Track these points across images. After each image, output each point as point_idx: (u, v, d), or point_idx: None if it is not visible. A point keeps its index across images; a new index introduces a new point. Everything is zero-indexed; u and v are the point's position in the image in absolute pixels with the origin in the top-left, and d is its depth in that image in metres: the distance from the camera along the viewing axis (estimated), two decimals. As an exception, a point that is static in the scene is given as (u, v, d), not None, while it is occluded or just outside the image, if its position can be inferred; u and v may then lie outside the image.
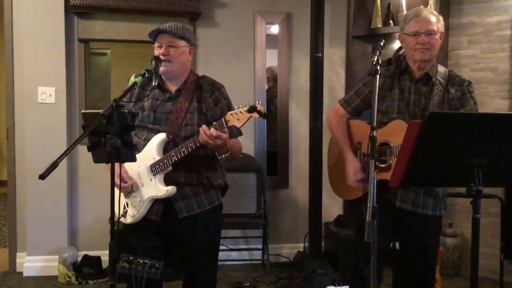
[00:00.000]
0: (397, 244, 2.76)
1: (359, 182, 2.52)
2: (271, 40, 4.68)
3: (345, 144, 2.66)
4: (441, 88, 2.49)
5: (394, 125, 2.47)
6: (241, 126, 2.14)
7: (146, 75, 2.26)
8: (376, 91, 2.07)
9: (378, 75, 2.09)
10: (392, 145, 2.45)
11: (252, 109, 2.08)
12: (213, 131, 2.17)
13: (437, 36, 2.48)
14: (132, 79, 2.26)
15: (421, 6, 4.30)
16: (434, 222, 2.54)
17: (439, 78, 2.50)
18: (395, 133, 2.41)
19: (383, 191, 2.40)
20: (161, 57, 2.35)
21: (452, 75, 2.56)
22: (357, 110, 2.71)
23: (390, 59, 4.34)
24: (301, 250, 4.60)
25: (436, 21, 2.49)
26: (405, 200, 2.46)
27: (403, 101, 2.53)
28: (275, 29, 4.73)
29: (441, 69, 2.55)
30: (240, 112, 2.10)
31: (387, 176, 2.39)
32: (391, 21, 4.42)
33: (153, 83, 2.28)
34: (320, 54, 4.23)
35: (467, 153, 1.78)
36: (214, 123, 2.19)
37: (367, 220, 1.82)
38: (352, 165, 2.57)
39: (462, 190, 2.58)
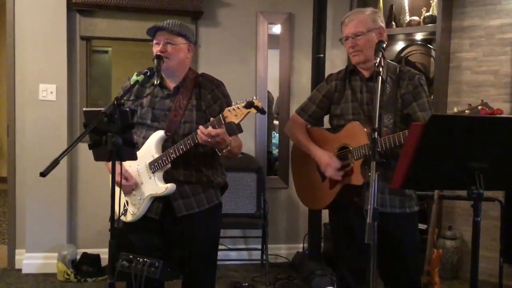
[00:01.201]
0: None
1: (340, 171, 2.46)
2: (273, 40, 4.68)
3: (310, 144, 2.59)
4: (393, 84, 2.46)
5: (349, 127, 2.44)
6: (239, 122, 2.13)
7: (148, 73, 2.26)
8: (378, 93, 2.06)
9: (380, 77, 2.08)
10: (351, 148, 2.42)
11: (249, 105, 2.06)
12: (210, 130, 2.16)
13: (367, 36, 2.42)
14: (134, 77, 2.25)
15: (424, 8, 4.32)
16: (406, 220, 2.49)
17: (390, 74, 2.46)
18: (352, 135, 2.41)
19: (351, 195, 2.40)
20: (161, 55, 2.35)
21: (403, 69, 2.52)
22: (314, 117, 2.67)
23: (392, 60, 4.33)
24: (300, 250, 4.60)
25: (362, 20, 2.45)
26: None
27: (357, 101, 2.50)
28: (277, 29, 4.73)
29: (391, 65, 2.52)
30: (238, 108, 2.10)
31: (350, 180, 2.40)
32: (393, 23, 4.43)
33: (155, 82, 2.28)
34: (322, 55, 4.23)
35: (468, 156, 1.78)
36: (212, 119, 2.19)
37: (368, 221, 1.81)
38: (327, 155, 2.49)
39: (461, 193, 2.58)
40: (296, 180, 2.79)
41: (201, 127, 2.20)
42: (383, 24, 2.50)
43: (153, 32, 2.42)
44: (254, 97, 2.09)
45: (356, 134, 2.39)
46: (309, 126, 2.68)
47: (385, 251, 2.47)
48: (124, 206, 2.47)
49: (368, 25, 2.45)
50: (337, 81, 2.59)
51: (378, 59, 2.15)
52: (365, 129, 2.38)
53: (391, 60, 2.64)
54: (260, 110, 2.07)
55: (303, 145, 2.63)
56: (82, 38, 4.33)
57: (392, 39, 4.35)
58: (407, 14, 4.43)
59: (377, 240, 2.49)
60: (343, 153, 2.48)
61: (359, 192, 2.35)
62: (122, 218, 2.44)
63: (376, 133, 1.96)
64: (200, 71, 2.69)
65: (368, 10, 2.52)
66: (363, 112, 2.47)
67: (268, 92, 4.89)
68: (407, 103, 2.44)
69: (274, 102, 5.14)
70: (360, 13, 2.51)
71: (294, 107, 4.66)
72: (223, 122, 2.14)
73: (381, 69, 2.12)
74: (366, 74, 2.51)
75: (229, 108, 2.12)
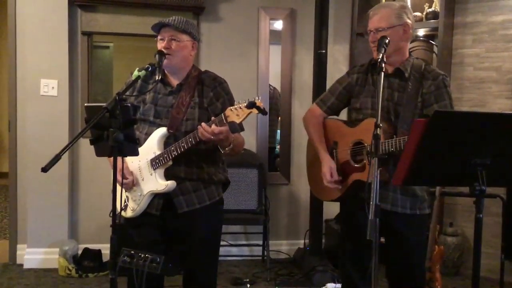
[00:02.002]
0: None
1: (336, 183, 2.49)
2: (275, 36, 4.67)
3: (320, 145, 2.60)
4: (416, 82, 2.40)
5: (366, 123, 2.40)
6: (240, 122, 2.13)
7: (150, 69, 2.26)
8: (381, 89, 2.05)
9: (382, 73, 2.07)
10: (366, 144, 2.38)
11: (251, 105, 2.06)
12: (214, 127, 2.16)
13: (389, 32, 2.33)
14: (136, 73, 2.25)
15: (426, 4, 4.31)
16: (416, 221, 2.46)
17: (414, 72, 2.41)
18: (368, 131, 2.28)
19: (359, 192, 2.37)
20: (163, 50, 2.34)
21: (428, 68, 2.46)
22: (333, 108, 2.64)
23: (371, 59, 4.32)
24: (301, 246, 4.60)
25: (386, 15, 2.38)
26: (385, 200, 2.38)
27: (377, 96, 2.45)
28: (279, 24, 4.72)
29: (417, 62, 2.46)
30: (240, 107, 2.09)
31: (361, 176, 2.37)
32: (395, 19, 4.40)
33: (157, 77, 2.28)
34: (323, 51, 4.22)
35: (471, 152, 1.78)
36: (213, 118, 2.18)
37: (370, 218, 1.81)
38: (327, 166, 2.51)
39: (464, 189, 2.57)
40: (309, 170, 2.79)
41: (203, 124, 2.19)
42: (409, 21, 2.40)
43: (158, 28, 2.41)
44: (257, 98, 2.08)
45: (372, 131, 2.34)
46: (327, 117, 2.66)
47: (392, 250, 2.48)
48: (125, 201, 2.46)
49: (391, 20, 2.37)
50: (359, 74, 2.54)
51: (381, 55, 2.13)
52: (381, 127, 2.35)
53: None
54: (262, 111, 2.07)
55: (313, 144, 2.65)
56: (84, 33, 4.32)
57: (394, 35, 4.32)
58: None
59: (386, 239, 2.50)
60: (357, 149, 2.46)
61: (369, 189, 2.35)
62: (122, 213, 2.44)
63: (378, 129, 1.95)
64: (201, 67, 2.68)
65: (396, 5, 2.43)
66: (382, 107, 2.44)
67: (274, 88, 4.87)
68: (428, 104, 2.38)
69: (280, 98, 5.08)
70: (385, 7, 2.42)
71: (296, 102, 4.68)
72: (224, 122, 2.13)
73: (383, 64, 2.10)
74: (389, 69, 2.43)
75: (231, 107, 2.12)
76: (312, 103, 4.25)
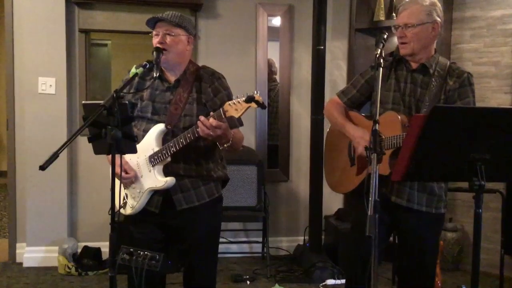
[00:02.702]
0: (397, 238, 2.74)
1: (358, 173, 2.45)
2: (273, 32, 4.66)
3: (345, 120, 2.56)
4: (440, 79, 2.40)
5: (386, 116, 2.37)
6: (239, 116, 2.12)
7: (147, 66, 2.25)
8: (379, 84, 2.04)
9: (381, 68, 2.07)
10: (383, 136, 2.35)
11: (250, 99, 2.05)
12: (212, 121, 2.14)
13: (417, 29, 2.34)
14: (133, 70, 2.24)
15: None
16: (431, 220, 2.44)
17: (439, 69, 2.40)
18: (388, 124, 2.32)
19: (379, 186, 2.37)
20: (159, 46, 2.33)
21: (453, 66, 2.46)
22: (354, 101, 2.62)
23: (393, 52, 4.32)
24: (301, 243, 4.60)
25: (416, 11, 2.36)
26: (401, 196, 2.39)
27: (399, 91, 2.45)
28: (277, 21, 4.71)
29: (442, 60, 2.45)
30: (238, 102, 2.08)
31: (380, 169, 2.34)
32: (394, 14, 4.40)
33: (154, 74, 2.26)
34: (322, 47, 4.21)
35: (470, 147, 1.77)
36: (212, 113, 2.17)
37: (369, 214, 1.80)
38: (360, 131, 2.45)
39: (463, 184, 2.56)
40: (327, 162, 2.78)
41: (202, 117, 2.18)
42: (439, 19, 2.38)
43: (152, 23, 2.40)
44: (255, 92, 2.07)
45: (391, 124, 2.32)
46: (346, 108, 2.64)
47: (405, 248, 2.48)
48: (124, 199, 2.46)
49: (421, 17, 2.35)
50: (382, 68, 2.52)
51: (379, 50, 2.13)
52: (400, 120, 2.33)
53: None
54: (261, 105, 2.06)
55: (339, 122, 2.59)
56: (81, 31, 4.31)
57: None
58: (408, 5, 4.41)
59: (399, 236, 2.52)
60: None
61: (388, 183, 2.35)
62: (122, 211, 2.43)
63: (377, 124, 1.94)
64: (199, 63, 2.67)
65: (427, 1, 2.39)
66: (403, 102, 2.43)
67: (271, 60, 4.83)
68: (451, 100, 2.37)
69: (278, 69, 4.99)
70: (416, 3, 2.38)
71: (294, 99, 4.68)
72: (223, 116, 2.12)
73: (381, 60, 2.09)
74: (413, 65, 2.45)
75: (230, 102, 2.11)
76: (311, 99, 4.30)
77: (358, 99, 2.62)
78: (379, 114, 2.39)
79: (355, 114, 2.62)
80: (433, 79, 2.39)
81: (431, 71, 2.41)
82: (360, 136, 2.43)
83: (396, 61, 2.50)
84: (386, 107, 2.44)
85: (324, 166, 2.80)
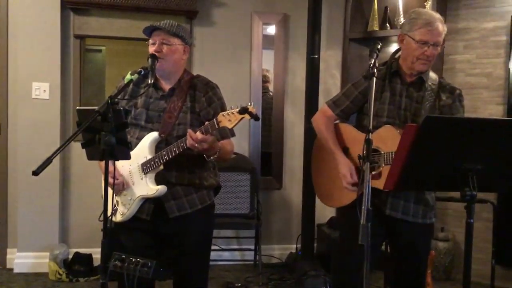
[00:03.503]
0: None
1: (355, 185, 2.42)
2: (268, 41, 4.68)
3: (335, 146, 2.52)
4: (433, 94, 2.42)
5: (384, 131, 2.36)
6: (232, 127, 2.12)
7: (142, 73, 2.25)
8: (373, 94, 2.05)
9: (374, 78, 2.08)
10: (382, 152, 2.35)
11: (243, 111, 2.06)
12: (198, 134, 2.15)
13: (440, 48, 2.40)
14: (128, 76, 2.24)
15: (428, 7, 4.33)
16: (425, 230, 2.49)
17: (431, 83, 2.43)
18: (386, 139, 2.32)
19: (373, 199, 2.36)
20: (156, 54, 2.34)
21: (443, 82, 2.50)
22: (346, 112, 2.59)
23: (386, 62, 4.34)
24: (293, 251, 4.60)
25: (443, 31, 2.39)
26: (395, 208, 2.40)
27: (394, 105, 2.44)
28: (271, 29, 4.73)
29: (432, 74, 2.47)
30: (232, 113, 2.09)
31: (377, 184, 2.32)
32: (387, 25, 4.44)
33: (149, 81, 2.27)
34: (316, 56, 4.23)
35: (462, 157, 1.79)
36: (206, 123, 2.17)
37: (361, 223, 1.81)
38: (347, 167, 2.44)
39: (454, 194, 2.58)
40: (315, 174, 2.72)
41: (190, 130, 2.18)
42: None
43: (149, 31, 2.41)
44: (249, 103, 2.08)
45: (391, 140, 2.30)
46: (337, 120, 2.61)
47: (401, 259, 2.48)
48: (114, 206, 2.45)
49: (443, 37, 2.40)
50: (376, 79, 2.46)
51: (373, 60, 2.14)
52: (400, 135, 2.33)
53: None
54: (254, 117, 2.06)
55: (328, 146, 2.55)
56: (76, 36, 4.31)
57: (386, 40, 4.35)
58: (402, 15, 4.44)
59: (394, 245, 2.51)
60: (372, 156, 2.39)
61: (382, 196, 2.35)
62: (112, 218, 2.42)
63: (370, 134, 1.95)
64: (194, 71, 2.68)
65: (442, 19, 2.42)
66: (398, 116, 2.42)
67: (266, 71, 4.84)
68: (445, 113, 2.42)
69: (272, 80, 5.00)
70: (441, 22, 2.39)
71: (288, 107, 4.69)
72: (216, 127, 2.13)
73: (375, 70, 2.11)
74: (409, 79, 2.45)
75: (223, 113, 2.11)
76: (305, 108, 4.31)
77: (350, 110, 2.59)
78: (375, 128, 2.40)
79: (347, 128, 2.58)
80: (426, 93, 2.41)
81: (426, 85, 2.42)
82: (343, 174, 2.44)
83: (391, 73, 2.48)
84: (380, 120, 2.42)
85: (313, 178, 2.74)
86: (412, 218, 2.41)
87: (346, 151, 2.53)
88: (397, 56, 2.56)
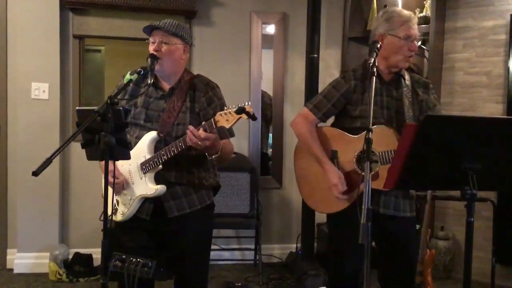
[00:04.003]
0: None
1: (344, 194, 2.43)
2: (267, 40, 4.68)
3: (321, 153, 2.48)
4: (409, 90, 2.46)
5: (377, 131, 2.32)
6: (230, 127, 2.12)
7: (142, 72, 2.25)
8: (373, 93, 2.05)
9: (374, 77, 2.08)
10: (377, 152, 2.34)
11: (240, 110, 2.05)
12: (201, 132, 2.14)
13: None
14: (128, 76, 2.24)
15: (417, 9, 4.34)
16: (412, 223, 2.56)
17: (405, 79, 2.49)
18: (380, 139, 2.30)
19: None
20: (154, 53, 2.34)
21: (414, 76, 2.55)
22: (328, 115, 2.56)
23: (366, 59, 4.34)
24: (293, 251, 4.60)
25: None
26: (387, 206, 2.43)
27: (377, 104, 2.44)
28: (271, 29, 4.73)
29: (404, 71, 2.52)
30: (229, 112, 2.08)
31: (376, 185, 2.31)
32: (387, 24, 4.43)
33: (149, 81, 2.27)
34: (315, 55, 4.23)
35: (462, 156, 1.78)
36: (204, 123, 2.17)
37: (362, 222, 1.81)
38: (337, 176, 2.42)
39: (454, 193, 2.58)
40: (302, 182, 2.64)
41: (191, 127, 2.18)
42: None
43: (149, 30, 2.41)
44: (247, 103, 2.07)
45: (385, 138, 2.32)
46: (319, 124, 2.59)
47: (394, 254, 2.49)
48: (115, 205, 2.45)
49: None
50: (356, 81, 2.50)
51: (372, 59, 2.14)
52: (395, 134, 2.35)
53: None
54: (251, 116, 2.06)
55: (314, 153, 2.51)
56: (75, 36, 4.31)
57: (385, 39, 4.34)
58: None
59: (386, 242, 2.50)
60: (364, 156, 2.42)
61: (374, 196, 2.35)
62: (112, 217, 2.42)
63: (370, 133, 1.95)
64: (193, 71, 2.67)
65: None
66: (383, 115, 2.44)
67: (266, 93, 4.86)
68: (424, 110, 2.47)
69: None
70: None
71: (288, 107, 4.69)
72: (214, 127, 2.13)
73: (375, 69, 2.11)
74: (386, 77, 2.48)
75: (221, 112, 2.11)
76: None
77: (332, 113, 2.56)
78: (359, 129, 2.43)
79: (334, 131, 2.53)
80: (404, 90, 2.44)
81: (406, 81, 2.46)
82: (335, 184, 2.42)
83: (371, 73, 2.44)
84: (365, 121, 2.39)
85: (301, 187, 2.65)
86: (402, 213, 2.46)
87: (334, 154, 2.49)
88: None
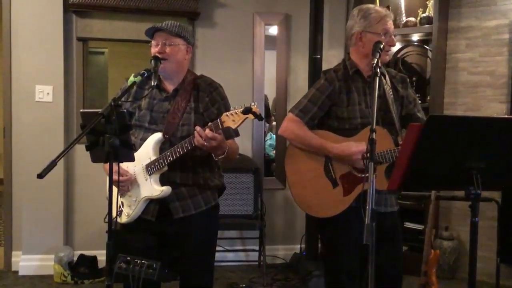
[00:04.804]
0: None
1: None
2: (270, 41, 4.69)
3: (323, 142, 2.41)
4: (388, 86, 2.44)
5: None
6: (236, 128, 2.12)
7: (146, 74, 2.25)
8: (376, 94, 2.04)
9: (377, 78, 2.07)
10: (377, 152, 2.28)
11: (247, 111, 2.06)
12: (208, 132, 2.15)
13: None
14: (132, 78, 2.24)
15: (420, 9, 4.34)
16: (397, 216, 2.58)
17: (386, 77, 2.49)
18: (377, 139, 2.23)
19: (359, 199, 2.33)
20: (157, 55, 2.34)
21: (390, 71, 2.56)
22: (314, 119, 2.48)
23: (389, 61, 4.35)
24: (298, 251, 4.60)
25: None
26: (380, 203, 2.42)
27: (363, 103, 2.42)
28: (273, 30, 4.73)
29: (383, 68, 2.47)
30: (236, 113, 2.09)
31: (376, 185, 2.30)
32: (389, 24, 4.42)
33: (153, 83, 2.27)
34: (318, 56, 4.23)
35: (466, 156, 1.78)
36: (210, 123, 2.17)
37: (366, 222, 1.81)
38: (353, 144, 2.35)
39: (458, 193, 2.58)
40: (295, 186, 2.57)
41: (198, 127, 2.18)
42: None
43: (151, 32, 2.41)
44: (253, 103, 2.08)
45: (381, 138, 2.24)
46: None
47: (387, 251, 2.45)
48: (119, 207, 2.46)
49: None
50: (339, 82, 2.46)
51: (376, 59, 2.14)
52: (388, 134, 2.34)
53: (389, 62, 2.62)
54: (258, 116, 2.07)
55: (314, 143, 2.44)
56: (79, 39, 4.32)
57: (388, 40, 4.34)
58: (404, 15, 4.44)
59: (379, 239, 2.51)
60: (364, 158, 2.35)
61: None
62: (117, 219, 2.43)
63: (374, 133, 1.94)
64: (196, 72, 2.68)
65: None
66: (369, 115, 2.40)
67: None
68: (405, 105, 2.50)
69: (270, 103, 5.12)
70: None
71: (291, 107, 4.67)
72: (220, 127, 2.13)
73: (378, 69, 2.10)
74: (366, 75, 2.46)
75: (227, 113, 2.11)
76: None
77: (317, 117, 2.48)
78: (348, 130, 2.40)
79: (326, 134, 2.47)
80: (385, 87, 2.42)
81: (388, 77, 2.47)
82: (360, 151, 2.33)
83: (352, 72, 2.47)
84: (354, 122, 2.40)
85: (296, 193, 2.57)
86: (390, 208, 2.49)
87: (329, 157, 2.44)
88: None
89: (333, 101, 2.46)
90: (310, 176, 2.51)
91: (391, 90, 2.46)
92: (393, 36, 2.45)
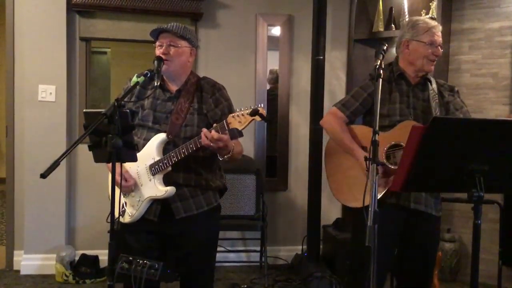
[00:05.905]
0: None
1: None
2: (273, 42, 4.68)
3: (352, 143, 2.57)
4: (435, 93, 2.56)
5: (405, 125, 2.42)
6: (242, 129, 2.13)
7: (148, 75, 2.26)
8: (379, 95, 2.06)
9: (381, 79, 2.08)
10: (404, 145, 2.38)
11: (254, 112, 2.06)
12: (214, 133, 2.15)
13: None
14: (135, 79, 2.25)
15: (423, 11, 4.34)
16: (437, 222, 2.60)
17: (432, 83, 2.60)
18: (407, 133, 2.36)
19: (398, 194, 2.43)
20: (162, 56, 2.35)
21: (440, 81, 2.68)
22: (356, 114, 2.67)
23: (391, 63, 4.34)
24: (299, 252, 4.59)
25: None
26: (419, 201, 2.49)
27: (404, 103, 2.55)
28: (276, 31, 4.73)
29: (430, 75, 2.64)
30: (242, 115, 2.09)
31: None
32: (392, 25, 4.43)
33: (155, 83, 2.27)
34: (321, 57, 4.23)
35: (469, 158, 1.78)
36: (215, 125, 2.18)
37: (368, 224, 1.81)
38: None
39: (461, 195, 2.58)
40: (332, 175, 2.70)
41: (204, 129, 2.19)
42: None
43: (156, 33, 2.42)
44: (260, 105, 2.09)
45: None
46: (347, 121, 2.67)
47: (419, 252, 2.53)
48: (122, 207, 2.46)
49: None
50: (383, 81, 2.55)
51: (379, 61, 2.15)
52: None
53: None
54: (264, 118, 2.07)
55: (344, 144, 2.60)
56: (82, 39, 4.33)
57: (392, 41, 4.31)
58: (407, 16, 4.43)
59: (411, 240, 2.53)
60: (393, 151, 2.48)
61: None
62: (120, 219, 2.43)
63: (376, 135, 1.95)
64: (199, 73, 2.68)
65: None
66: (409, 114, 2.53)
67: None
68: (452, 110, 2.58)
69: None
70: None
71: (293, 109, 4.69)
72: (226, 128, 2.13)
73: (381, 71, 2.11)
74: (414, 80, 2.60)
75: (233, 114, 2.11)
76: (310, 109, 4.30)
77: (359, 112, 2.67)
78: (388, 127, 2.50)
79: (361, 129, 2.63)
80: (430, 92, 2.54)
81: (433, 84, 2.57)
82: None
83: (396, 75, 2.61)
84: (393, 119, 2.52)
85: (330, 181, 2.71)
86: (430, 210, 2.52)
87: (364, 150, 2.57)
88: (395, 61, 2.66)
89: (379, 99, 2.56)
90: (347, 166, 2.61)
91: (436, 95, 2.57)
92: (439, 47, 2.55)
